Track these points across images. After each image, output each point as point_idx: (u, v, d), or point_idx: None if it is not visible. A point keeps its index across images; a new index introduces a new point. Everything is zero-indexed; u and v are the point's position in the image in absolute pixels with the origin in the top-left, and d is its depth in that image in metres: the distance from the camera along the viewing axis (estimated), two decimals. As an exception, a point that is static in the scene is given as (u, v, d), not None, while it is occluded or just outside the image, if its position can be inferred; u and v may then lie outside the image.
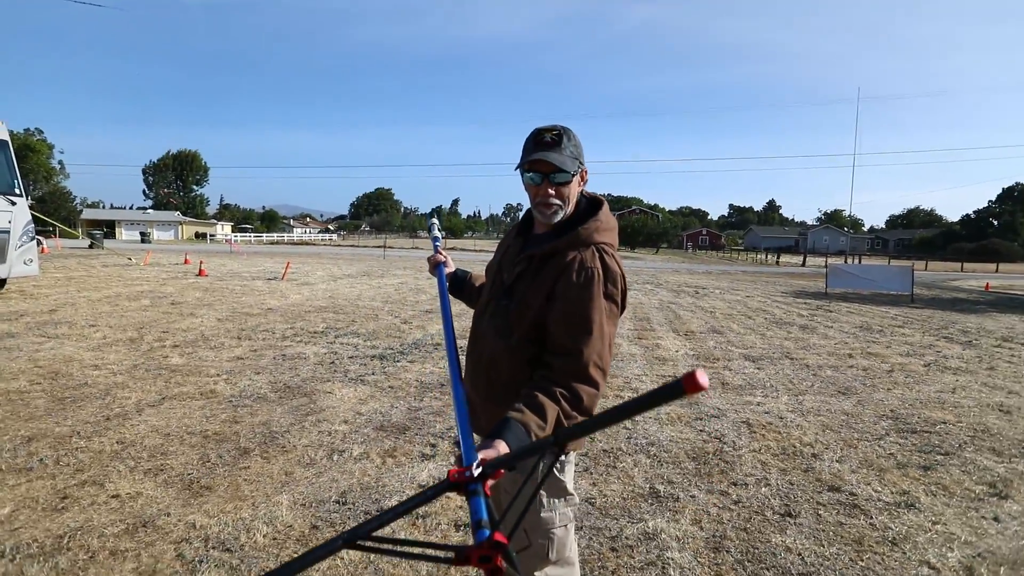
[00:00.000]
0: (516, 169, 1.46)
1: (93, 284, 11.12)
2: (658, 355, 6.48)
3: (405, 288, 12.77)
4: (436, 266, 1.81)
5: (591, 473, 3.20)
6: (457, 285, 1.85)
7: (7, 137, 8.93)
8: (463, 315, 3.50)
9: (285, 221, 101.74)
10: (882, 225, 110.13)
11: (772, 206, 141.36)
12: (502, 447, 1.10)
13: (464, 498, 0.90)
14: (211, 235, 55.30)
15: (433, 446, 3.47)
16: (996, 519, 2.80)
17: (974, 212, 72.69)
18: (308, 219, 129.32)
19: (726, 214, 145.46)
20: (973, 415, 4.54)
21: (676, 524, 2.64)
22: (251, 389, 4.49)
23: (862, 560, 2.40)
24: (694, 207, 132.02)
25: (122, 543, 2.31)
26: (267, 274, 14.96)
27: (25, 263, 8.81)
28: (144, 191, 79.77)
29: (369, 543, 0.88)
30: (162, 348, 5.76)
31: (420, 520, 2.61)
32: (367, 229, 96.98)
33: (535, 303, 1.41)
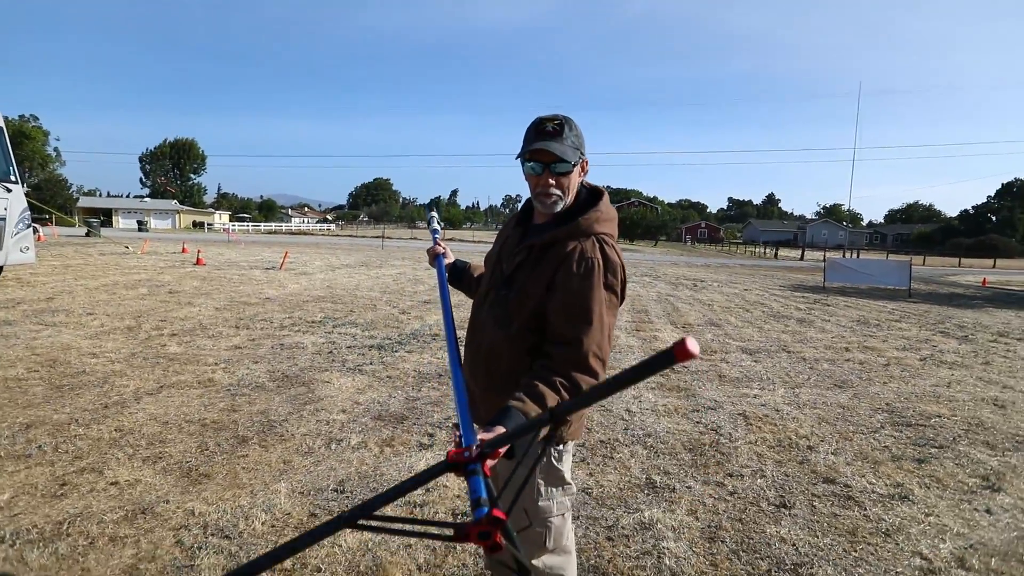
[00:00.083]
0: (517, 158, 1.45)
1: (90, 272, 11.08)
2: (656, 347, 6.50)
3: (403, 278, 12.76)
4: (435, 257, 1.81)
5: (588, 463, 3.22)
6: (456, 275, 1.85)
7: (2, 123, 8.85)
8: (461, 305, 3.50)
9: (283, 211, 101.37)
10: (881, 220, 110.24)
11: (771, 200, 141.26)
12: (501, 432, 1.11)
13: (463, 479, 0.90)
14: (209, 224, 55.09)
15: (431, 435, 3.49)
16: (988, 511, 2.83)
17: (972, 207, 72.78)
18: (306, 209, 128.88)
19: (725, 207, 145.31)
20: (968, 409, 4.57)
21: (672, 514, 2.66)
22: (249, 378, 4.49)
23: (855, 551, 2.43)
24: (693, 200, 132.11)
25: (121, 529, 2.32)
26: (265, 263, 14.92)
27: (21, 251, 8.76)
28: (141, 179, 79.40)
29: (369, 522, 0.89)
30: (160, 337, 5.76)
31: (417, 509, 2.63)
32: (365, 219, 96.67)
33: (535, 293, 1.41)
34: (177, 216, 55.64)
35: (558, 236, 1.43)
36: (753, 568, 2.27)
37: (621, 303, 1.46)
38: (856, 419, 4.22)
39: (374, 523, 0.91)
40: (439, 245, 1.84)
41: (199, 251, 16.01)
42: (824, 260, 17.38)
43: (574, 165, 1.43)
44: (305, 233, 52.86)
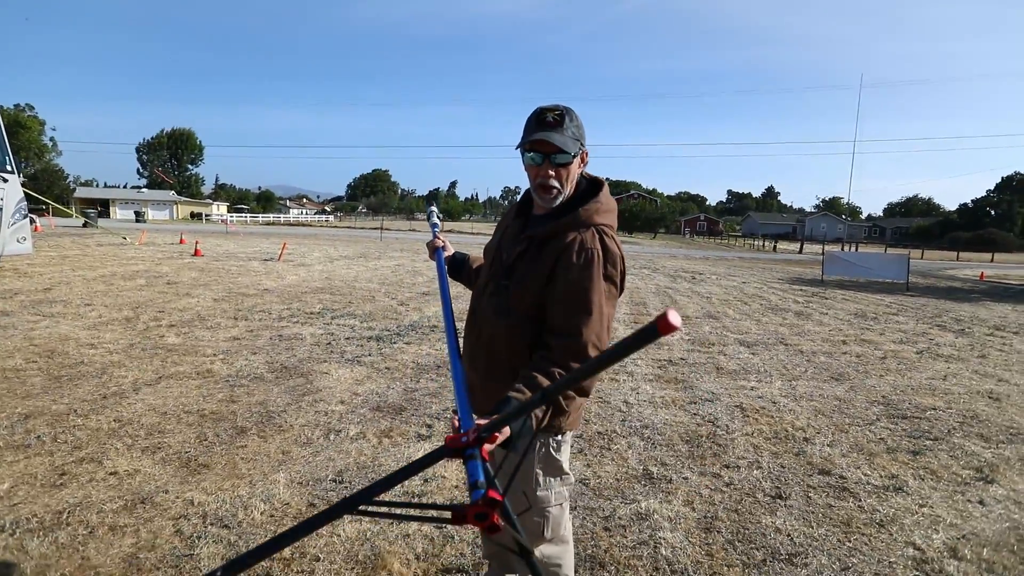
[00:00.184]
0: (517, 148, 1.45)
1: (88, 263, 11.05)
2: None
3: (402, 270, 12.75)
4: (435, 251, 1.82)
5: (586, 455, 3.23)
6: (456, 267, 1.85)
7: (-3, 113, 8.78)
8: (460, 297, 3.50)
9: (281, 202, 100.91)
10: (880, 213, 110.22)
11: (771, 192, 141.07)
12: (505, 433, 1.11)
13: (463, 467, 0.91)
14: (207, 215, 54.85)
15: (429, 426, 3.50)
16: (981, 502, 2.86)
17: (971, 201, 72.76)
18: (305, 200, 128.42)
19: (724, 200, 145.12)
20: (963, 402, 4.60)
21: (668, 505, 2.68)
22: (248, 369, 4.50)
23: (849, 541, 2.45)
24: (692, 192, 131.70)
25: (121, 519, 2.33)
26: (263, 255, 14.89)
27: (18, 241, 8.74)
28: (138, 170, 78.88)
29: (370, 508, 0.90)
30: (158, 328, 5.75)
31: (416, 499, 2.64)
32: (364, 211, 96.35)
33: (535, 283, 1.41)
34: (175, 207, 55.35)
35: (558, 227, 1.43)
36: (748, 558, 2.29)
37: (620, 294, 1.46)
38: (852, 411, 4.24)
39: (373, 508, 0.92)
40: (438, 239, 1.85)
41: (197, 242, 15.97)
42: (823, 253, 17.38)
43: (574, 156, 1.42)
44: (303, 224, 52.72)
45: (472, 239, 29.01)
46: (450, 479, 2.82)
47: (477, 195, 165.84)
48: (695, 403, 4.25)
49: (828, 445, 3.54)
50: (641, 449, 3.35)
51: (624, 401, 4.21)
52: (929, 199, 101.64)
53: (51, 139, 60.73)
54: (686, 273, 16.41)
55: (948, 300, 12.52)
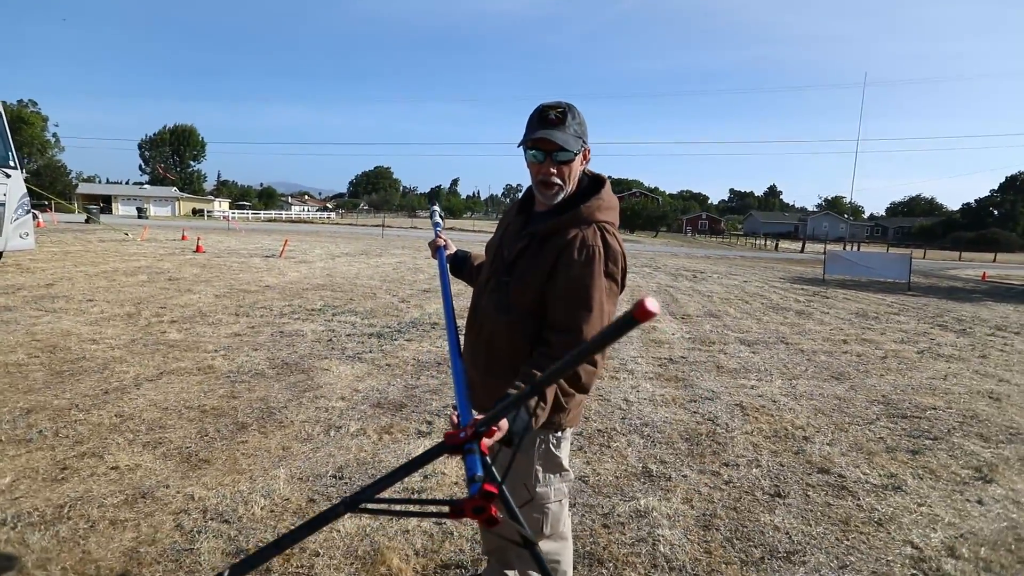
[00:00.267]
0: (519, 146, 1.45)
1: (90, 259, 11.08)
2: (654, 338, 6.52)
3: (403, 267, 12.76)
4: (437, 249, 1.84)
5: (585, 452, 3.24)
6: (457, 265, 1.86)
7: (0, 109, 8.79)
8: (461, 295, 3.50)
9: (283, 198, 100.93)
10: (882, 213, 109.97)
11: (773, 191, 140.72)
12: (504, 426, 1.12)
13: (462, 462, 0.92)
14: (208, 212, 54.91)
15: (429, 423, 3.51)
16: (980, 502, 2.86)
17: (975, 201, 72.55)
18: (306, 197, 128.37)
19: (726, 198, 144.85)
20: (963, 402, 4.60)
21: (667, 502, 2.69)
22: (249, 365, 4.51)
23: (848, 539, 2.45)
24: (694, 191, 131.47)
25: (122, 513, 2.34)
26: (265, 251, 14.91)
27: (21, 237, 8.75)
28: (140, 166, 78.97)
29: (370, 505, 0.91)
30: (160, 323, 5.77)
31: (415, 496, 2.65)
32: (366, 208, 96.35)
33: (536, 280, 1.42)
34: (177, 203, 55.42)
35: (560, 223, 1.43)
36: (747, 555, 2.30)
37: (621, 291, 1.47)
38: (852, 411, 4.24)
39: (372, 506, 0.93)
40: (440, 237, 1.87)
41: (199, 238, 15.99)
42: (824, 253, 17.36)
43: (576, 154, 1.42)
44: (305, 221, 52.74)
45: (474, 236, 29.00)
46: (450, 475, 2.83)
47: (479, 192, 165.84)
48: (695, 401, 4.26)
49: (827, 444, 3.54)
50: (641, 447, 3.35)
51: (624, 399, 4.22)
52: (932, 199, 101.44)
53: (54, 135, 60.82)
54: (687, 272, 16.40)
55: (950, 300, 12.50)
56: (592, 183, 1.52)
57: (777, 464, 3.20)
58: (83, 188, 55.68)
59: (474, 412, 1.17)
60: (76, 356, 4.48)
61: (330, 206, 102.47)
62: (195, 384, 3.99)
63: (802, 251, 37.76)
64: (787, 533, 2.48)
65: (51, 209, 30.22)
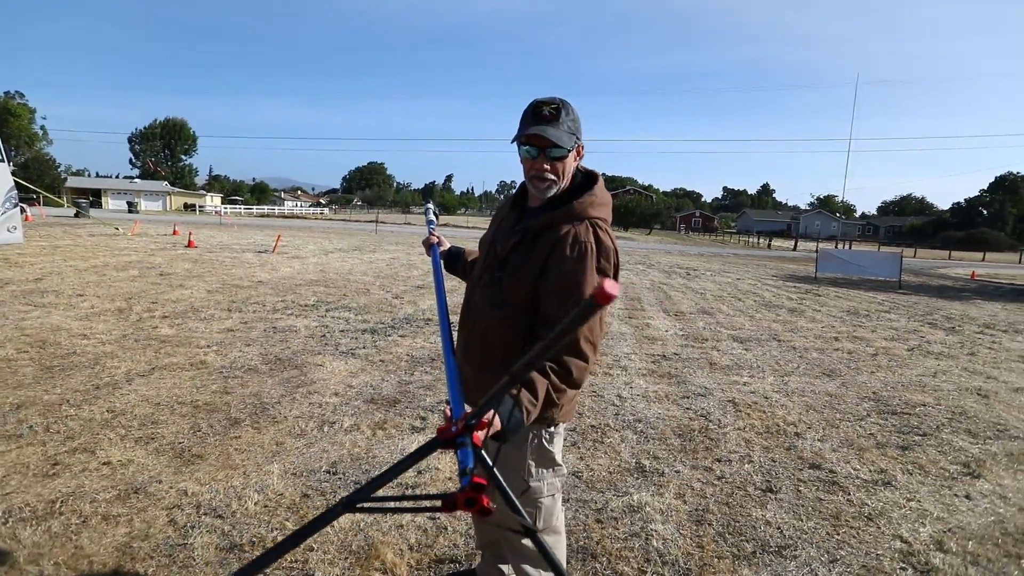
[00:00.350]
0: (513, 141, 1.45)
1: (79, 253, 10.96)
2: (648, 335, 6.55)
3: (397, 263, 12.72)
4: (431, 247, 1.84)
5: (579, 448, 3.25)
6: (451, 261, 1.86)
7: (-13, 100, 8.67)
8: (455, 291, 3.50)
9: (276, 194, 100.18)
10: (874, 212, 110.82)
11: (766, 190, 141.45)
12: (495, 421, 1.12)
13: (455, 455, 0.93)
14: (200, 206, 54.43)
15: (423, 419, 3.51)
16: (968, 497, 2.90)
17: (964, 201, 73.25)
18: (299, 192, 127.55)
19: (720, 196, 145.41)
20: (952, 398, 4.66)
21: (660, 498, 2.71)
22: (242, 361, 4.49)
23: (838, 534, 2.48)
24: (688, 189, 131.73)
25: (114, 508, 2.33)
26: (257, 247, 14.82)
27: (8, 231, 8.66)
28: (131, 160, 78.10)
29: (366, 504, 0.92)
30: (151, 319, 5.72)
31: (409, 491, 2.65)
32: (359, 203, 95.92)
33: (528, 276, 1.42)
34: (168, 198, 54.85)
35: (552, 219, 1.43)
36: (738, 550, 2.32)
37: (614, 287, 1.47)
38: (843, 407, 4.29)
39: (369, 505, 0.94)
40: (433, 235, 1.87)
41: (190, 233, 15.87)
42: (816, 251, 17.48)
43: (569, 150, 1.42)
44: (298, 217, 52.44)
45: (468, 233, 28.95)
46: (443, 471, 2.83)
47: (473, 189, 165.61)
48: (688, 398, 4.28)
49: (819, 440, 3.58)
50: (634, 443, 3.37)
51: (617, 395, 4.24)
52: (922, 198, 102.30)
53: (41, 127, 60.04)
54: (681, 269, 16.47)
55: (939, 298, 12.64)
56: (585, 179, 1.52)
57: (769, 460, 3.23)
58: (72, 182, 55.01)
59: (467, 407, 1.17)
60: (66, 351, 4.44)
61: (323, 202, 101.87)
62: (187, 380, 3.97)
63: (794, 249, 38.01)
64: (778, 528, 2.50)
65: (39, 203, 29.85)
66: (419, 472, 2.79)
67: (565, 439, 3.31)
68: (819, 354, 6.05)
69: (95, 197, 47.30)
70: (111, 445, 2.89)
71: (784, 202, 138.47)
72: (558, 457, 1.54)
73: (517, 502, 0.93)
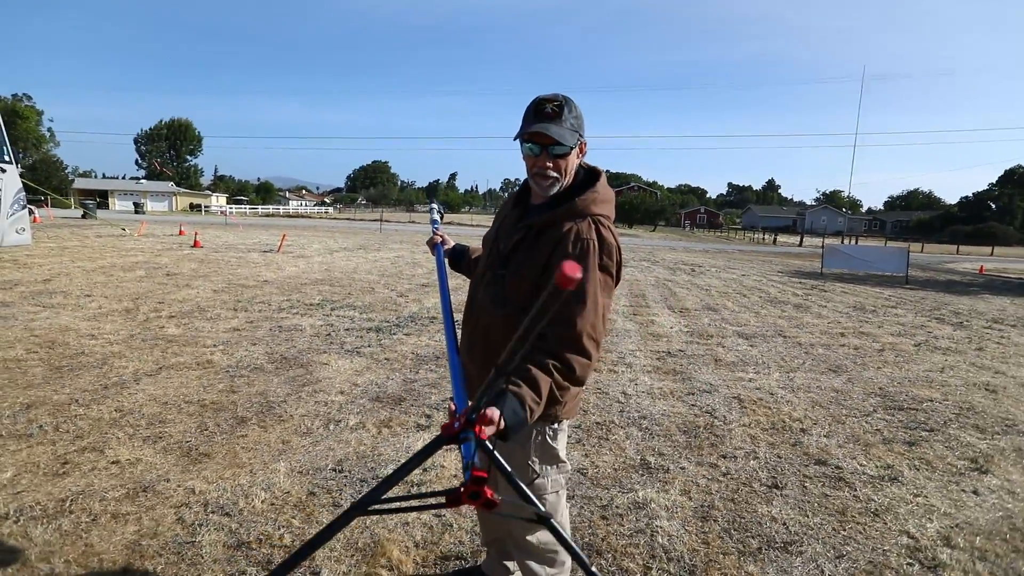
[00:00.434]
0: (515, 139, 1.45)
1: (87, 254, 11.04)
2: (653, 331, 6.53)
3: (401, 262, 12.75)
4: (434, 246, 1.85)
5: (583, 444, 3.26)
6: (456, 259, 1.87)
7: (-6, 102, 8.73)
8: (459, 289, 3.51)
9: (281, 193, 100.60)
10: (880, 207, 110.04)
11: (771, 185, 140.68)
12: (496, 414, 1.13)
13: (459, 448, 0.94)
14: (206, 207, 54.69)
15: (428, 416, 3.52)
16: (975, 492, 2.88)
17: (973, 195, 72.55)
18: (304, 192, 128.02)
19: (725, 192, 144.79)
20: (959, 394, 4.63)
21: (665, 494, 2.71)
22: (248, 360, 4.51)
23: (844, 530, 2.48)
24: (693, 185, 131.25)
25: (123, 507, 2.35)
26: (263, 246, 14.88)
27: (17, 232, 8.73)
28: (137, 161, 78.56)
29: (377, 506, 0.93)
30: (158, 318, 5.77)
31: (415, 489, 2.66)
32: (364, 202, 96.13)
33: (531, 273, 1.42)
34: (174, 198, 55.16)
35: (555, 217, 1.43)
36: (744, 546, 2.32)
37: (616, 284, 1.47)
38: (849, 403, 4.27)
39: (379, 507, 0.95)
40: (437, 235, 1.88)
41: (196, 233, 15.95)
42: (822, 246, 17.39)
43: (572, 148, 1.42)
44: (303, 216, 52.61)
45: (472, 231, 28.97)
46: (449, 468, 2.84)
47: (477, 187, 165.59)
48: (693, 394, 4.28)
49: (825, 436, 3.56)
50: (639, 439, 3.37)
51: (622, 392, 4.24)
52: (929, 192, 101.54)
53: (49, 129, 60.37)
54: (685, 265, 16.42)
55: (947, 293, 12.54)
56: (588, 176, 1.52)
57: (774, 456, 3.23)
58: (79, 183, 55.35)
59: (470, 403, 1.18)
60: (75, 351, 4.48)
61: (328, 201, 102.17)
62: (194, 379, 4.00)
63: (800, 245, 37.81)
64: (784, 524, 2.50)
65: (47, 204, 30.09)
66: (424, 470, 2.80)
67: (570, 436, 3.31)
68: (825, 350, 6.02)
69: (102, 198, 47.64)
70: (119, 444, 2.92)
71: (789, 198, 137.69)
72: (562, 453, 1.54)
73: (528, 491, 0.94)
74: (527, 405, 1.22)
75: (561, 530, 0.93)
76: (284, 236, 16.49)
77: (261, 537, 2.20)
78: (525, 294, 1.43)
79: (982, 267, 21.58)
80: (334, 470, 2.77)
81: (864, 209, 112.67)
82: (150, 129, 78.03)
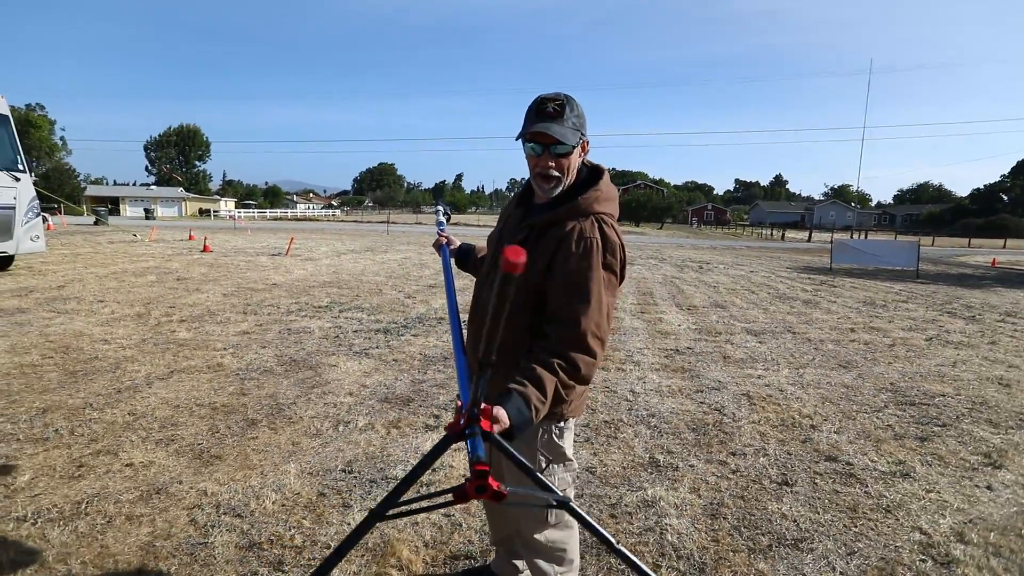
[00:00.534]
0: (517, 139, 1.46)
1: (99, 260, 11.19)
2: (660, 329, 6.52)
3: (409, 263, 12.79)
4: (440, 248, 1.86)
5: (592, 443, 3.26)
6: (463, 259, 1.88)
7: (8, 112, 8.87)
8: (466, 290, 3.52)
9: (288, 197, 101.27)
10: (890, 200, 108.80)
11: (779, 181, 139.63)
12: (502, 413, 1.14)
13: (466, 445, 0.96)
14: (215, 211, 55.18)
15: (436, 417, 3.54)
16: (989, 487, 2.85)
17: (984, 186, 71.55)
18: (311, 195, 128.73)
19: (732, 189, 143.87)
20: (972, 388, 4.58)
21: (675, 492, 2.71)
22: (257, 362, 4.56)
23: (856, 526, 2.46)
24: (700, 182, 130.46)
25: (137, 509, 2.39)
26: (271, 250, 15.00)
27: (32, 239, 8.85)
28: (147, 167, 79.47)
29: (395, 510, 0.95)
30: (169, 323, 5.83)
31: (424, 488, 2.68)
32: (370, 204, 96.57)
33: (534, 272, 1.42)
34: (183, 204, 55.72)
35: (557, 216, 1.44)
36: (754, 543, 2.31)
37: (621, 283, 1.48)
38: (860, 399, 4.23)
39: (396, 511, 0.98)
40: (443, 236, 1.90)
41: (206, 238, 16.10)
42: (831, 241, 17.23)
43: (574, 147, 1.43)
44: (310, 219, 52.91)
45: (479, 231, 28.99)
46: (458, 468, 2.85)
47: (483, 187, 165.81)
48: (701, 392, 4.26)
49: (835, 432, 3.54)
50: (647, 437, 3.37)
51: (631, 390, 4.23)
52: (940, 185, 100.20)
53: (61, 138, 61.21)
54: (693, 263, 16.34)
55: (959, 287, 12.39)
56: (591, 174, 1.52)
57: (784, 453, 3.21)
58: (91, 190, 56.13)
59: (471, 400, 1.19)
60: (89, 356, 4.54)
61: (335, 203, 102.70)
62: (205, 382, 4.04)
63: (809, 240, 37.49)
64: (795, 521, 2.49)
65: (60, 212, 30.51)
66: (433, 470, 2.81)
67: (577, 434, 3.32)
68: (835, 346, 5.97)
69: (113, 205, 48.13)
70: (133, 447, 2.96)
71: (797, 193, 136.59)
72: (569, 452, 1.55)
73: (542, 477, 0.95)
74: (532, 404, 1.23)
75: (583, 513, 0.95)
76: (292, 239, 16.60)
77: (272, 538, 2.22)
78: (529, 294, 1.43)
79: (994, 260, 21.29)
80: (344, 471, 2.80)
81: (873, 203, 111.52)
82: (159, 136, 78.94)
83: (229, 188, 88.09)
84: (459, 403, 1.14)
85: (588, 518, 0.97)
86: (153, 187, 64.28)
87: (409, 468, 2.86)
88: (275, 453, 2.97)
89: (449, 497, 0.93)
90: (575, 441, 3.18)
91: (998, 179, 71.58)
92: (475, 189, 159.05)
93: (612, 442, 3.29)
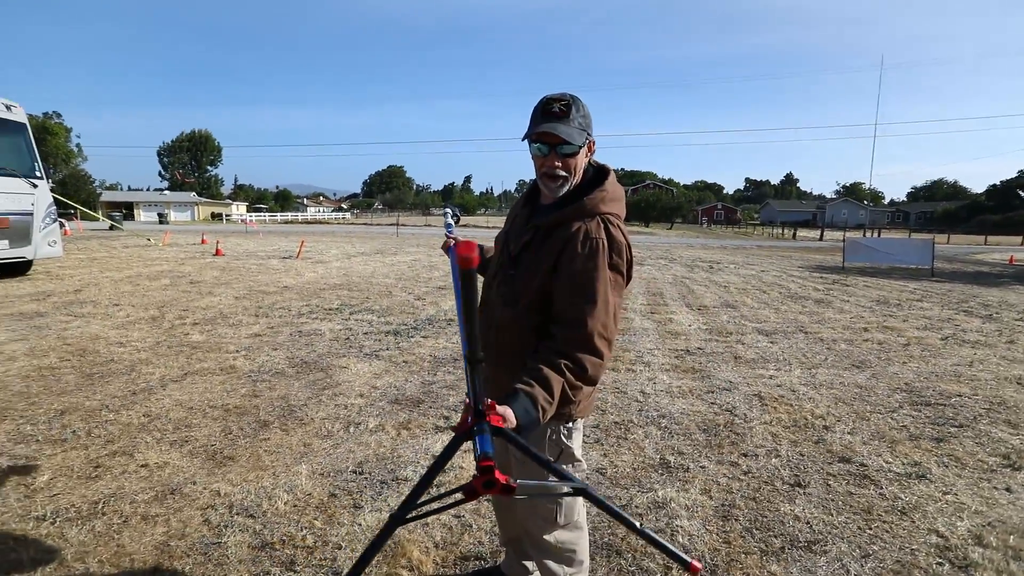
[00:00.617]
0: (523, 139, 1.46)
1: (115, 265, 11.37)
2: (671, 329, 6.48)
3: (418, 265, 12.84)
4: (447, 249, 1.87)
5: (602, 444, 3.25)
6: None
7: (25, 120, 9.04)
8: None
9: (299, 200, 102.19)
10: (903, 198, 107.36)
11: (789, 179, 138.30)
12: (509, 413, 1.14)
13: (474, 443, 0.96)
14: (227, 215, 55.80)
15: (446, 418, 3.55)
16: (1008, 489, 2.80)
17: (1001, 182, 70.28)
18: (321, 198, 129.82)
19: (742, 188, 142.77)
20: (990, 388, 4.50)
21: (686, 493, 2.69)
22: (269, 364, 4.60)
23: (870, 528, 2.43)
24: (709, 181, 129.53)
25: (152, 509, 2.42)
26: (282, 253, 15.13)
27: (49, 245, 9.01)
28: (160, 172, 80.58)
29: (413, 513, 0.97)
30: (183, 326, 5.91)
31: (434, 489, 2.69)
32: (380, 207, 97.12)
33: (540, 273, 1.43)
34: (196, 208, 56.40)
35: (563, 216, 1.44)
36: (766, 545, 2.29)
37: (627, 283, 1.47)
38: (874, 399, 4.18)
39: (414, 514, 0.99)
40: (450, 238, 1.91)
41: (218, 242, 16.29)
42: (844, 240, 17.02)
43: (580, 147, 1.43)
44: (321, 222, 53.34)
45: (488, 232, 29.03)
46: (468, 468, 2.86)
47: (492, 189, 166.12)
48: (712, 392, 4.23)
49: (848, 433, 3.50)
50: (658, 438, 3.35)
51: (641, 391, 4.21)
52: (955, 182, 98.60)
53: (77, 145, 62.16)
54: (703, 263, 16.23)
55: (975, 285, 12.18)
56: (597, 174, 1.52)
57: (797, 454, 3.18)
58: (106, 196, 56.92)
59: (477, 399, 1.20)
60: (105, 359, 4.62)
61: (345, 206, 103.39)
62: (218, 384, 4.09)
63: (821, 239, 37.09)
64: (808, 523, 2.46)
65: (77, 217, 31.03)
66: (443, 472, 2.82)
67: (588, 436, 3.31)
68: (848, 345, 5.90)
69: (128, 210, 48.93)
70: (148, 448, 3.00)
71: (808, 191, 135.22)
72: (577, 452, 1.55)
73: (557, 466, 0.95)
74: (539, 405, 1.23)
75: (601, 497, 0.95)
76: (303, 242, 16.74)
77: (284, 538, 2.24)
78: (535, 294, 1.43)
79: (1012, 257, 20.90)
80: (354, 472, 2.81)
81: (886, 201, 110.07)
82: (172, 141, 79.99)
83: (240, 192, 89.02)
84: (468, 402, 1.15)
85: (608, 503, 0.97)
86: (166, 192, 65.12)
87: (420, 469, 2.87)
88: (287, 454, 2.99)
89: (458, 495, 0.94)
90: (585, 442, 3.19)
91: (1015, 175, 70.33)
92: (484, 191, 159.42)
93: (622, 443, 3.28)
